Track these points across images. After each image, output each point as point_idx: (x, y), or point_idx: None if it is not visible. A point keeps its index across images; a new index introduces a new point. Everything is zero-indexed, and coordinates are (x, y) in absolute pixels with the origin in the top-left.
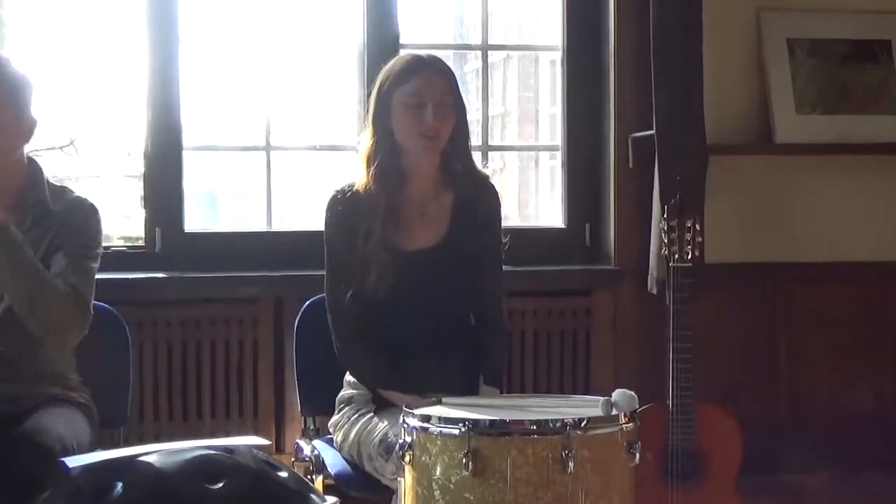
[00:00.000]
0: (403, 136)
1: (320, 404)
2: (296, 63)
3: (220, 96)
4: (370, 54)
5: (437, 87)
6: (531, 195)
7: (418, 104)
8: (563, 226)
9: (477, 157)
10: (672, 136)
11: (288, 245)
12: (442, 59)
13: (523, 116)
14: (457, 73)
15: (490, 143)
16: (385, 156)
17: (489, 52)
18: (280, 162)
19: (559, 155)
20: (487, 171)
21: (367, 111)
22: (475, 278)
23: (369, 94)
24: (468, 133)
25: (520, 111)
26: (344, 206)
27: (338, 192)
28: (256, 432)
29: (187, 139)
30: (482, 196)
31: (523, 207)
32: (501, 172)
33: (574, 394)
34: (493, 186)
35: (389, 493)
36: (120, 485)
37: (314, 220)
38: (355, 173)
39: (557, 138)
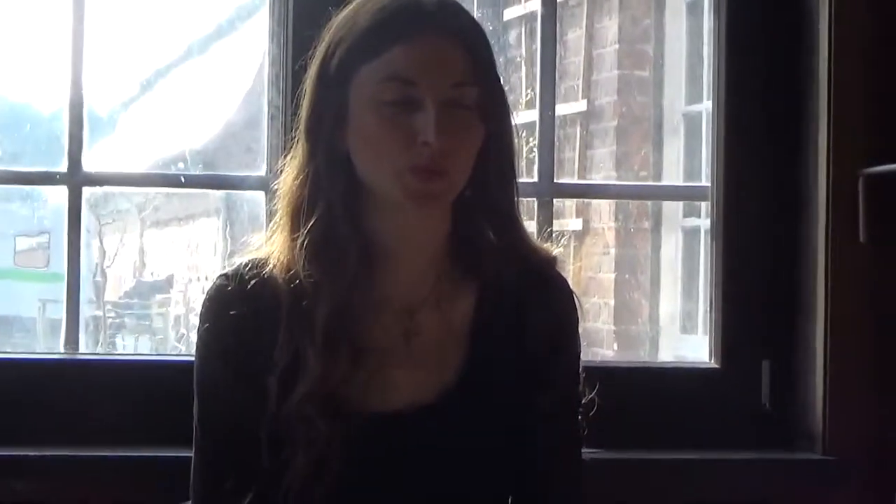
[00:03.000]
0: (373, 166)
1: None
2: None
3: None
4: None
5: (446, 63)
6: (644, 296)
7: (405, 100)
8: (712, 364)
9: (527, 209)
10: None
11: (115, 389)
12: (455, 1)
13: (629, 122)
14: (490, 29)
15: (559, 181)
16: (332, 206)
17: None
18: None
19: (704, 209)
20: (551, 248)
21: (295, 118)
22: (522, 465)
23: (295, 81)
24: (512, 161)
25: (622, 110)
26: (238, 310)
27: (225, 281)
28: None
29: None
30: (540, 301)
31: (625, 320)
32: (578, 244)
33: None
34: (564, 282)
35: None
36: None
37: (172, 340)
38: (264, 243)
39: (702, 174)
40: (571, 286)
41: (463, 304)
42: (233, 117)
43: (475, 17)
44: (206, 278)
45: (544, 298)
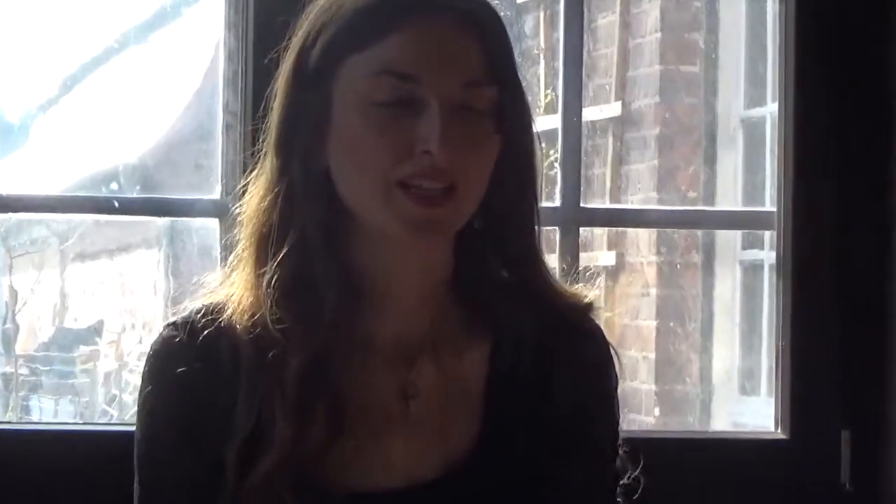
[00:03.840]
0: (359, 184)
1: None
2: None
3: None
4: None
5: (455, 55)
6: (692, 348)
7: (403, 100)
8: (779, 433)
9: (547, 240)
10: None
11: (29, 465)
12: None
13: (673, 130)
14: (502, 15)
15: (586, 205)
16: (308, 235)
17: None
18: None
19: (768, 240)
20: (584, 290)
21: (259, 127)
22: None
23: (258, 80)
24: (535, 180)
25: (665, 116)
26: (190, 367)
27: (172, 332)
28: None
29: None
30: (570, 356)
31: (669, 378)
32: (610, 284)
33: None
34: (600, 333)
35: None
36: None
37: (101, 403)
38: (221, 283)
39: (765, 196)
40: (606, 338)
41: (472, 357)
42: (178, 125)
43: None
44: (145, 326)
45: (575, 353)
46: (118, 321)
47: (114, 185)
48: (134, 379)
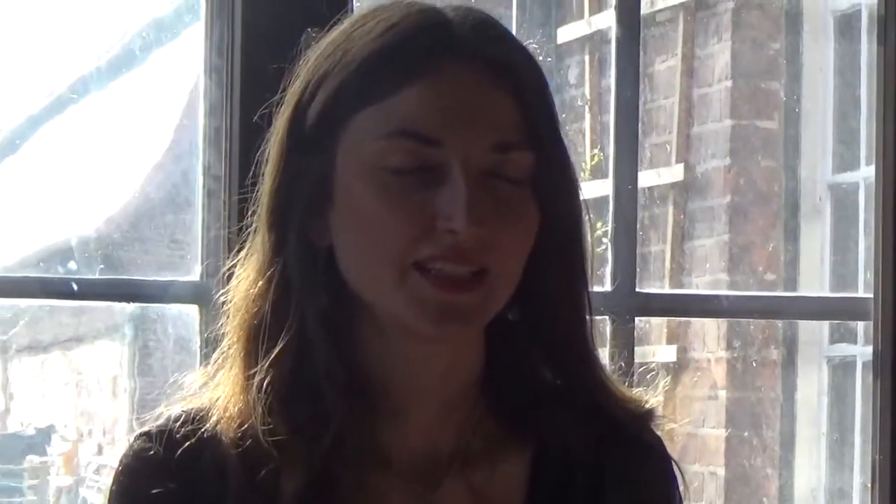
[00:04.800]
0: (369, 267)
1: None
2: None
3: None
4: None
5: (484, 112)
6: (770, 462)
7: (421, 166)
8: None
9: (597, 331)
10: None
11: None
12: (499, 22)
13: (748, 198)
14: (539, 59)
15: (643, 289)
16: (308, 327)
17: None
18: None
19: (862, 333)
20: (642, 395)
21: (249, 193)
22: None
23: (245, 138)
24: (583, 260)
25: (737, 181)
26: (166, 487)
27: (146, 443)
28: None
29: None
30: (625, 474)
31: (742, 497)
32: (671, 385)
33: None
34: (660, 446)
35: None
36: None
37: None
38: (203, 385)
39: (858, 280)
40: (669, 451)
41: (508, 475)
42: (147, 190)
43: (516, 36)
44: (105, 433)
45: (630, 470)
46: (73, 426)
47: (70, 264)
48: (93, 497)
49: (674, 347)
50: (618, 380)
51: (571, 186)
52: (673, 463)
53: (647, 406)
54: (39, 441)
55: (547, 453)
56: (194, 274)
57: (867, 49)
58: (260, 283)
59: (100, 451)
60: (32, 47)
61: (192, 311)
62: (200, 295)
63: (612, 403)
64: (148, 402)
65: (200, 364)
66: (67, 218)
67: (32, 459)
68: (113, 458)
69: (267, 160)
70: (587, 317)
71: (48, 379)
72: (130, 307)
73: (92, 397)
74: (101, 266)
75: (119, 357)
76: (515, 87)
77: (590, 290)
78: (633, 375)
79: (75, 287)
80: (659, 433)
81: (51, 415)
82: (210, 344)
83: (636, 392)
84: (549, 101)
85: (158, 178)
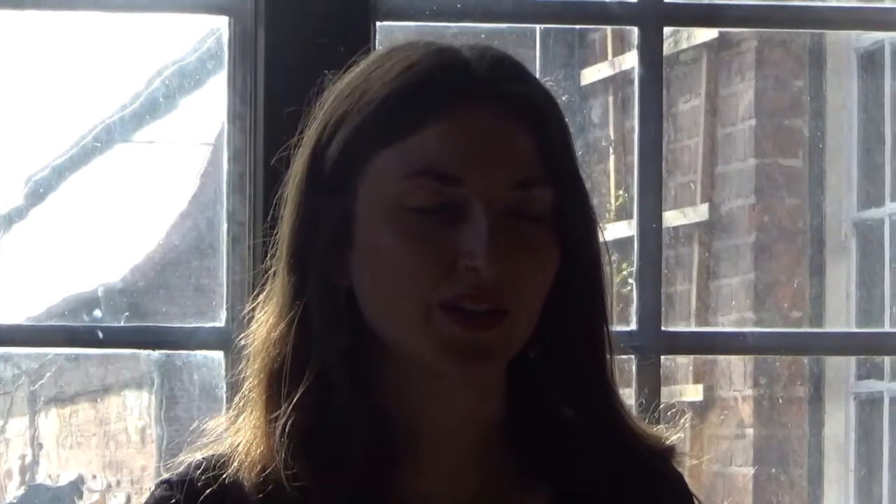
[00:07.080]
0: (391, 308)
1: None
2: None
3: None
4: (272, 49)
5: (504, 150)
6: (799, 499)
7: (442, 205)
8: None
9: (622, 370)
10: None
11: None
12: (516, 60)
13: (773, 236)
14: (563, 100)
15: (668, 328)
16: (330, 371)
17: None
18: None
19: (888, 368)
20: (663, 432)
21: (271, 237)
22: None
23: (269, 182)
24: (603, 299)
25: (762, 219)
26: None
27: (167, 491)
28: None
29: None
30: None
31: None
32: (698, 424)
33: None
34: (682, 483)
35: None
36: None
37: None
38: (225, 431)
39: (884, 315)
40: (692, 489)
41: None
42: (172, 238)
43: (537, 77)
44: (134, 483)
45: None
46: (101, 477)
47: (96, 312)
48: None
49: (700, 386)
50: (639, 417)
51: (591, 222)
52: (695, 499)
53: (668, 442)
54: (68, 492)
55: (569, 492)
56: (219, 320)
57: (891, 85)
58: (280, 325)
59: (128, 501)
60: (57, 97)
61: (217, 357)
62: (225, 340)
63: (632, 440)
64: (175, 450)
65: (226, 410)
66: (93, 267)
67: None
68: None
69: (285, 202)
70: (608, 355)
71: (76, 429)
72: (156, 355)
73: (119, 447)
74: (127, 314)
75: (146, 405)
76: (534, 123)
77: (610, 326)
78: (658, 414)
79: (101, 335)
80: (681, 470)
81: (78, 466)
82: (234, 389)
83: (657, 429)
84: (567, 136)
85: (184, 226)
